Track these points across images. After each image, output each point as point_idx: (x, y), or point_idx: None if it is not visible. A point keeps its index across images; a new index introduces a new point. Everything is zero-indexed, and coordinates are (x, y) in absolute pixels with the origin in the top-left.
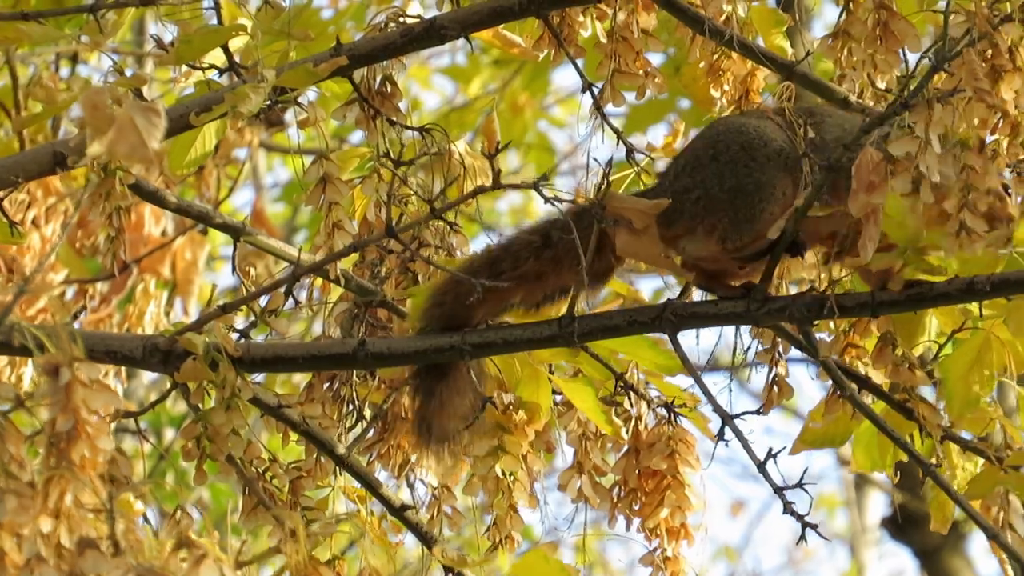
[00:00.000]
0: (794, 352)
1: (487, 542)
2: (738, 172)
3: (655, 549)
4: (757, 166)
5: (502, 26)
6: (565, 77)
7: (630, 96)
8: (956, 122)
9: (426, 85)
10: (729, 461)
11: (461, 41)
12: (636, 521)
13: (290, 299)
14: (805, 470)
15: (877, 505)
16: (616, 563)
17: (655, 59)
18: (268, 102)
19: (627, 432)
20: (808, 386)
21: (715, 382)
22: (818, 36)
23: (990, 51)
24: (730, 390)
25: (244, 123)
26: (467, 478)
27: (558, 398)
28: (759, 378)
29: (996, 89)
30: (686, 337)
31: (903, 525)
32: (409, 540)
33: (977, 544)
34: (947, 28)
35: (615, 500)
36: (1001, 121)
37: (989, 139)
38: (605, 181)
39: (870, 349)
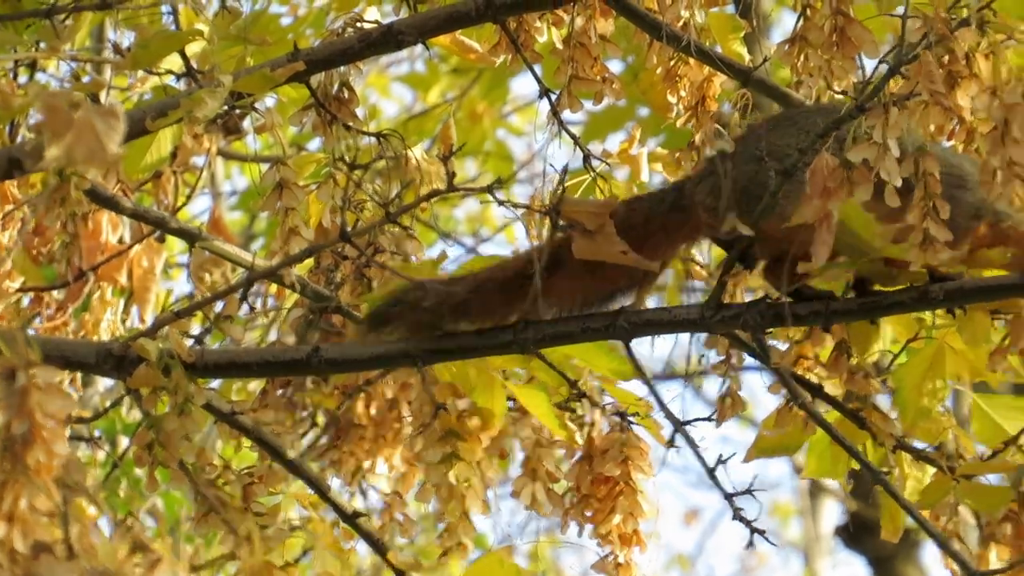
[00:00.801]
0: (749, 360)
1: (439, 549)
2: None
3: (608, 555)
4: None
5: (459, 32)
6: (524, 85)
7: (589, 104)
8: (913, 127)
9: (385, 93)
10: (684, 470)
11: (420, 49)
12: (589, 528)
13: (245, 305)
14: (755, 476)
15: (831, 514)
16: (569, 570)
17: (613, 67)
18: (225, 107)
19: (581, 438)
20: (763, 394)
21: (669, 389)
22: (776, 42)
23: (947, 57)
24: (684, 397)
25: (201, 129)
26: (420, 485)
27: (512, 404)
28: (713, 386)
29: (953, 96)
30: (641, 345)
31: (857, 533)
32: (362, 548)
33: (931, 552)
34: (904, 32)
35: (568, 507)
36: (957, 127)
37: (946, 145)
38: (561, 186)
39: (824, 358)
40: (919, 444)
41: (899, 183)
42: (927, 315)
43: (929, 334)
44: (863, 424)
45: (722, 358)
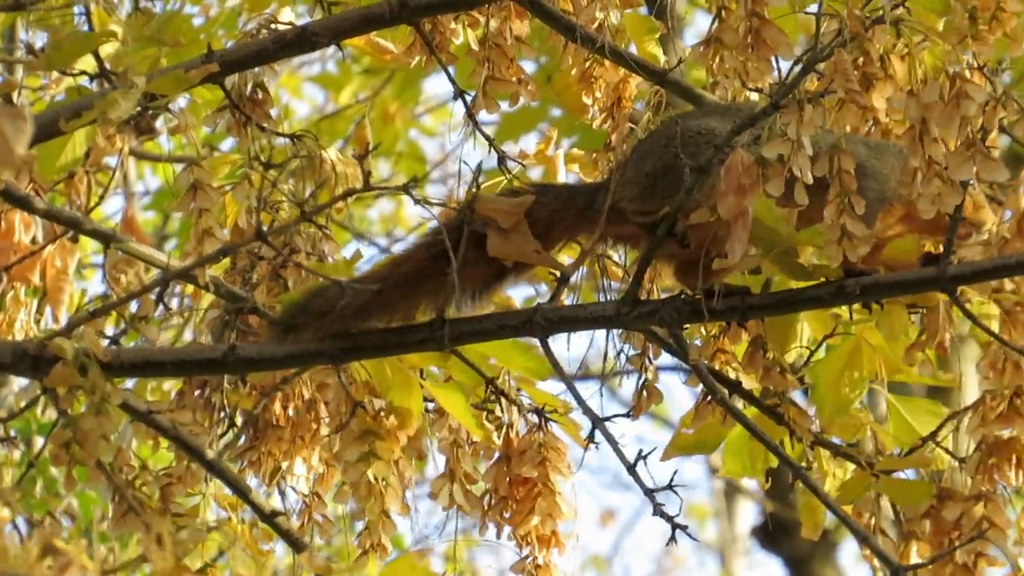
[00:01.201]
0: (666, 360)
1: (357, 551)
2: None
3: (526, 557)
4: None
5: (374, 33)
6: (436, 86)
7: (503, 105)
8: (828, 125)
9: (296, 94)
10: (599, 471)
11: (332, 49)
12: (507, 529)
13: (161, 306)
14: (675, 472)
15: (747, 515)
16: (487, 571)
17: (526, 67)
18: (139, 108)
19: (498, 439)
20: (680, 395)
21: (586, 389)
22: (690, 44)
23: (862, 59)
24: (601, 394)
25: (114, 130)
26: (338, 485)
27: (430, 406)
28: (630, 386)
29: (868, 97)
30: (558, 345)
31: (773, 534)
32: (280, 549)
33: (847, 552)
34: (819, 29)
35: (486, 508)
36: (873, 128)
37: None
38: (475, 185)
39: (740, 354)
40: (836, 441)
41: (811, 180)
42: (844, 311)
43: (847, 329)
44: (781, 420)
45: (638, 352)
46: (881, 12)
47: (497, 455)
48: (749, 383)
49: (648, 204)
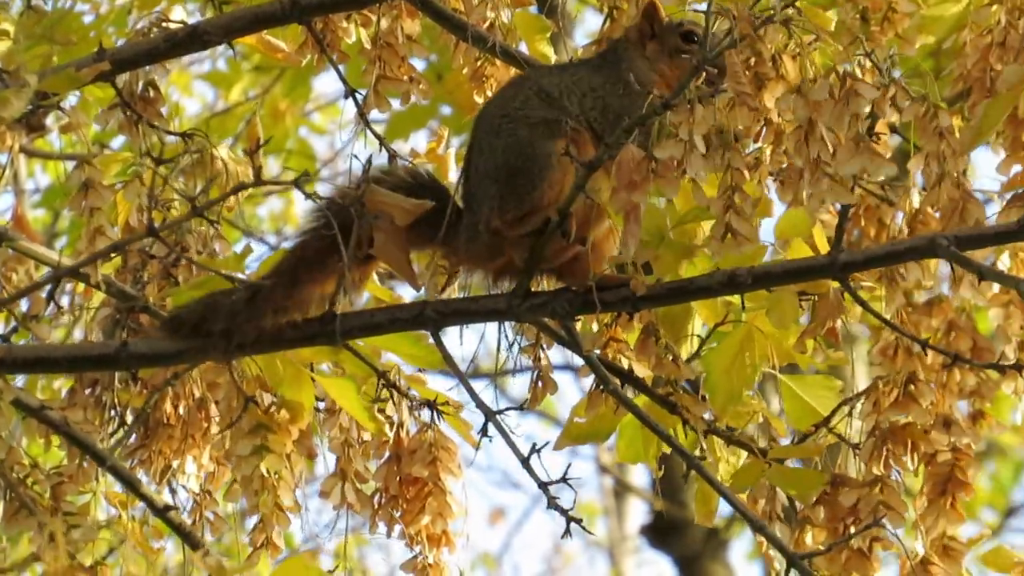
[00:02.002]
0: (558, 356)
1: (248, 549)
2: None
3: (416, 555)
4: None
5: (266, 32)
6: (326, 83)
7: (395, 103)
8: (718, 124)
9: (187, 91)
10: (489, 469)
11: (223, 47)
12: (397, 527)
13: (52, 305)
14: (569, 465)
15: (637, 513)
16: (377, 570)
17: (417, 66)
18: (30, 106)
19: (390, 433)
20: (571, 392)
21: (478, 386)
22: (581, 42)
23: (753, 59)
24: (494, 389)
25: (5, 127)
26: (230, 483)
27: (321, 405)
28: (521, 385)
29: (760, 97)
30: (450, 342)
31: (663, 533)
32: (170, 547)
33: (737, 551)
34: (708, 29)
35: (376, 507)
36: (764, 129)
37: (753, 148)
38: (366, 179)
39: (633, 343)
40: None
41: (704, 179)
42: (735, 299)
43: (738, 317)
44: (674, 408)
45: (531, 343)
46: (771, 12)
47: (388, 454)
48: (642, 371)
49: (513, 210)
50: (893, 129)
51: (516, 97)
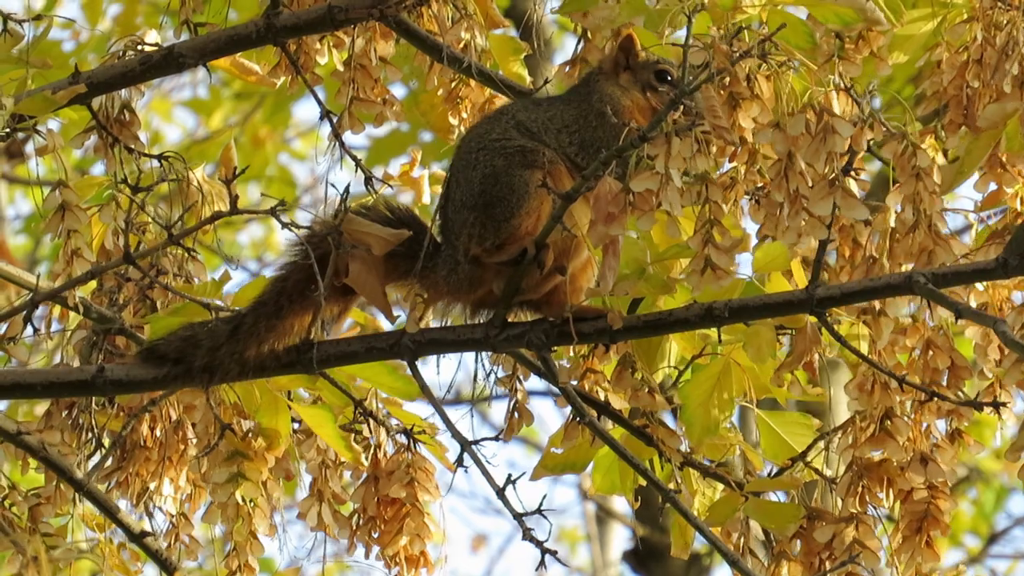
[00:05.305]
0: (536, 385)
1: (225, 572)
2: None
3: None
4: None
5: (240, 54)
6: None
7: (376, 131)
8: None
9: (167, 118)
10: (471, 495)
11: (203, 74)
12: (376, 549)
13: (30, 328)
14: (544, 496)
15: (619, 539)
16: None
17: (398, 93)
18: (7, 130)
19: (367, 460)
20: (550, 419)
21: (456, 414)
22: (556, 64)
23: (728, 79)
24: (472, 417)
25: None
26: (207, 507)
27: (297, 426)
28: (500, 411)
29: (734, 117)
30: (427, 371)
31: (645, 559)
32: (149, 571)
33: None
34: (686, 63)
35: (354, 528)
36: (739, 149)
37: (727, 167)
38: (344, 206)
39: (609, 374)
40: (706, 462)
41: (680, 212)
42: (713, 332)
43: (715, 350)
44: (650, 440)
45: (508, 374)
46: (749, 45)
47: (365, 475)
48: (618, 403)
49: (492, 237)
50: (870, 150)
51: (492, 131)
